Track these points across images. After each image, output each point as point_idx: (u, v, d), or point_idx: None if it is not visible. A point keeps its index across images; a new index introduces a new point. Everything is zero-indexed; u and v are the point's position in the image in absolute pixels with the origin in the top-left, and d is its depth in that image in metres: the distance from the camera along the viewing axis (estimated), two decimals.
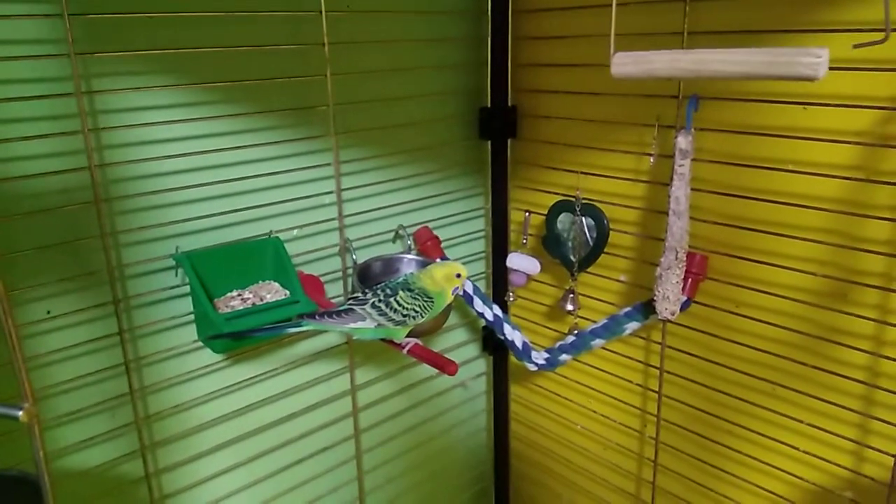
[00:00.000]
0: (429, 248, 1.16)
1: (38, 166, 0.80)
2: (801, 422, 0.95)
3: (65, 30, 0.78)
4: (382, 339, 0.93)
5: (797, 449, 0.97)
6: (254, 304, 0.92)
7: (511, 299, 1.26)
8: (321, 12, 0.96)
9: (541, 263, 1.17)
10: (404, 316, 0.88)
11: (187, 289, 0.93)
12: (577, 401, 1.28)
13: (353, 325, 0.88)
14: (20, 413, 0.35)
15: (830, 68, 0.81)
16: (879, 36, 0.58)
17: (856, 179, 0.83)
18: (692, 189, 0.91)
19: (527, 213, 1.20)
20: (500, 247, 1.28)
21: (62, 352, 0.86)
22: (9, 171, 0.78)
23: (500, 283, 1.30)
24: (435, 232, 1.18)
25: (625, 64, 0.71)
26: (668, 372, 1.10)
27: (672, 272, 0.94)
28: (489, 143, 1.23)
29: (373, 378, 1.22)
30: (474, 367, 1.41)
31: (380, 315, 0.88)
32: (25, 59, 0.77)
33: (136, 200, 0.88)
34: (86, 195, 0.83)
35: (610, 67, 0.71)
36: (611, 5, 0.76)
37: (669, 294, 0.95)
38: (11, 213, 0.77)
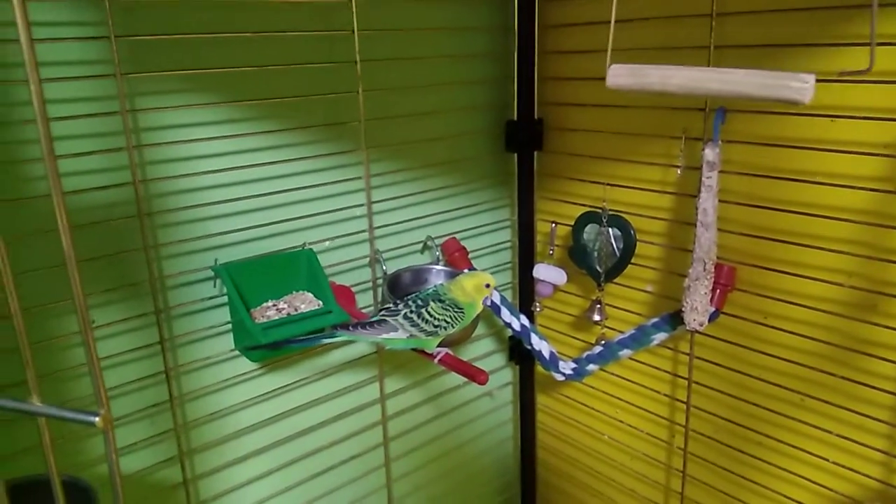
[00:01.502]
0: (456, 258, 1.18)
1: (85, 182, 0.84)
2: (831, 433, 0.95)
3: (111, 51, 0.81)
4: (413, 349, 0.95)
5: (826, 460, 0.97)
6: (288, 314, 0.95)
7: (537, 310, 1.27)
8: (353, 31, 0.99)
9: (567, 274, 1.18)
10: (436, 327, 0.90)
11: (225, 299, 0.96)
12: (605, 411, 1.29)
13: (385, 336, 0.90)
14: (97, 419, 0.37)
15: (859, 81, 0.83)
16: (866, 65, 0.59)
17: (884, 191, 0.84)
18: (720, 200, 0.92)
19: (553, 224, 1.21)
20: (526, 257, 1.30)
21: (106, 360, 0.89)
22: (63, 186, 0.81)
23: (526, 294, 1.32)
24: (462, 243, 1.20)
25: (619, 76, 0.72)
26: (697, 382, 1.10)
27: (700, 283, 0.95)
28: (515, 155, 1.25)
29: (401, 387, 1.24)
30: (501, 377, 1.42)
31: (412, 326, 0.90)
32: (74, 79, 0.81)
33: (176, 214, 0.91)
34: (129, 209, 0.87)
35: (606, 78, 0.73)
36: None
37: (698, 305, 0.95)
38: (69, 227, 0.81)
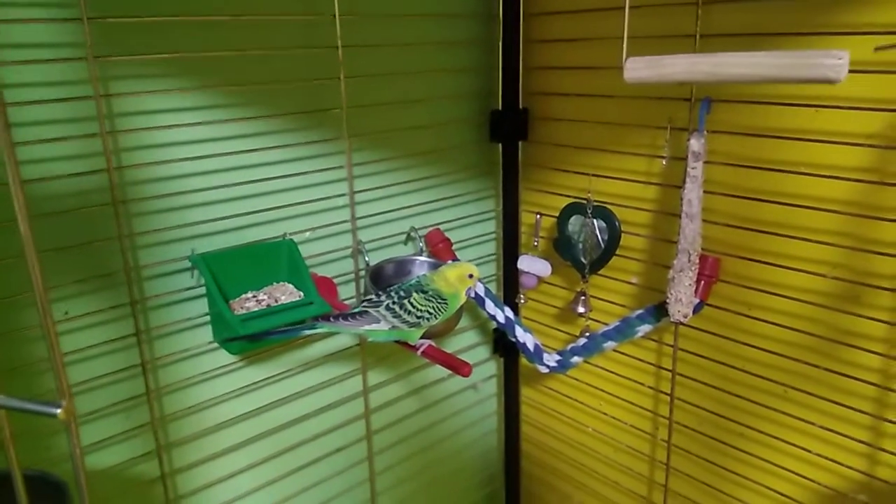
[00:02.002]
0: (440, 250, 1.17)
1: (57, 168, 0.81)
2: (814, 424, 0.95)
3: (83, 33, 0.79)
4: (396, 341, 0.94)
5: (810, 452, 0.97)
6: (269, 305, 0.93)
7: (522, 301, 1.26)
8: (335, 16, 0.97)
9: (552, 266, 1.17)
10: (418, 318, 0.89)
11: (203, 290, 0.94)
12: (589, 403, 1.29)
13: (367, 328, 0.89)
14: (58, 411, 0.36)
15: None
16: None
17: (868, 182, 0.83)
18: (705, 191, 0.92)
19: (538, 216, 1.20)
20: (510, 249, 1.29)
21: (79, 353, 0.87)
22: (28, 173, 0.79)
23: (510, 286, 1.31)
24: (446, 234, 1.18)
25: (637, 69, 0.71)
26: (680, 374, 1.10)
27: (685, 275, 0.94)
28: (500, 145, 1.24)
29: (385, 380, 1.23)
30: (485, 370, 1.41)
31: (394, 317, 0.89)
32: (45, 62, 0.78)
33: (152, 202, 0.89)
34: (103, 197, 0.84)
35: (623, 72, 0.71)
36: (622, 8, 0.76)
37: (682, 296, 0.95)
38: (30, 215, 0.78)
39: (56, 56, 0.79)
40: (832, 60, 0.59)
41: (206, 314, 0.96)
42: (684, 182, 0.91)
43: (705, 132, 0.90)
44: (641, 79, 0.71)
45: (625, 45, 0.72)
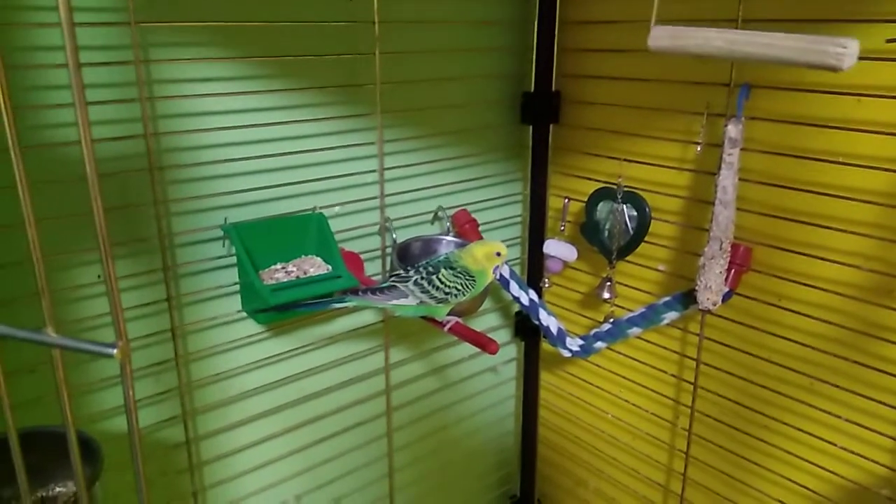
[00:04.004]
0: (467, 230, 1.16)
1: (95, 132, 0.81)
2: (840, 418, 0.94)
3: None
4: (424, 317, 0.94)
5: (834, 445, 0.96)
6: (297, 277, 0.94)
7: (546, 285, 1.26)
8: None
9: (578, 250, 1.17)
10: (446, 294, 0.89)
11: (233, 259, 0.95)
12: (609, 390, 1.28)
13: (395, 302, 0.89)
14: (114, 351, 0.36)
15: (888, 59, 0.81)
16: None
17: None
18: (739, 179, 0.91)
19: (566, 200, 1.19)
20: (537, 232, 1.28)
21: (110, 316, 0.88)
22: (67, 136, 0.80)
23: (535, 269, 1.30)
24: (473, 215, 1.18)
25: (661, 38, 0.71)
26: (705, 363, 1.09)
27: (716, 262, 0.93)
28: (531, 127, 1.23)
29: (406, 357, 1.23)
30: (506, 353, 1.41)
31: (422, 293, 0.89)
32: (86, 25, 0.79)
33: (187, 170, 0.90)
34: (140, 163, 0.85)
35: (648, 40, 0.72)
36: None
37: (712, 284, 0.94)
38: (67, 178, 0.79)
39: (99, 20, 0.79)
40: (836, 49, 0.58)
41: (236, 283, 0.97)
42: (719, 169, 0.91)
43: (743, 118, 0.89)
44: (662, 48, 0.71)
45: (654, 12, 0.72)
